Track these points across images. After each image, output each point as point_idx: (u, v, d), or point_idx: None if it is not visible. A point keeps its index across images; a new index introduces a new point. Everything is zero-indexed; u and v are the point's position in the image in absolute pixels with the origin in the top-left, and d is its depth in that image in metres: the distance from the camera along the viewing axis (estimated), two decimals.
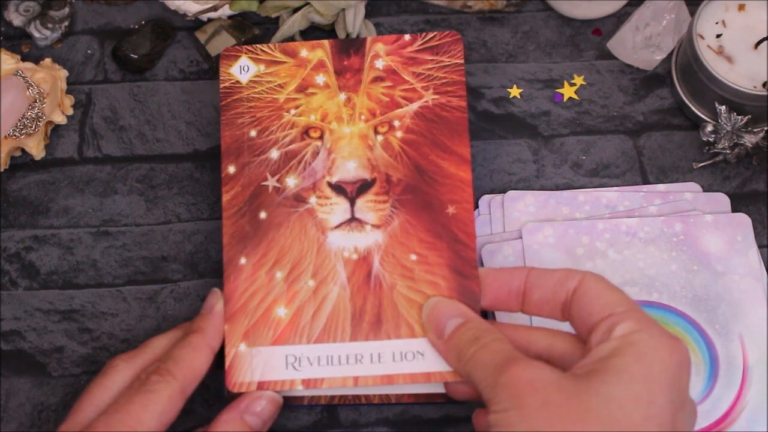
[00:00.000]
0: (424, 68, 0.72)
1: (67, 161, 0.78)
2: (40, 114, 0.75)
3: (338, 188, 0.69)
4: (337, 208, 0.69)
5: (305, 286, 0.68)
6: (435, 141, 0.70)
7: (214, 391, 0.71)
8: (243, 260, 0.68)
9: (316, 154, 0.70)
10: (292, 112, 0.71)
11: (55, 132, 0.78)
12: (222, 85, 0.72)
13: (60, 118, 0.77)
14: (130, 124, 0.79)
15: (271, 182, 0.70)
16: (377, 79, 0.71)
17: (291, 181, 0.70)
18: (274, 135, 0.70)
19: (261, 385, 0.66)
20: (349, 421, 0.71)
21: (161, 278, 0.75)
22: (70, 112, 0.78)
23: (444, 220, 0.68)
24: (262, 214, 0.69)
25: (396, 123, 0.70)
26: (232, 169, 0.70)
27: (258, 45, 0.73)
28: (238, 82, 0.72)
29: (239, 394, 0.66)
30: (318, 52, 0.72)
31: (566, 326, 0.65)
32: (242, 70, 0.72)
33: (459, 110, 0.71)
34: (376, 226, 0.69)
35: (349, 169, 0.70)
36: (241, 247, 0.68)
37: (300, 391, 0.67)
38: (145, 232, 0.76)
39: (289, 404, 0.70)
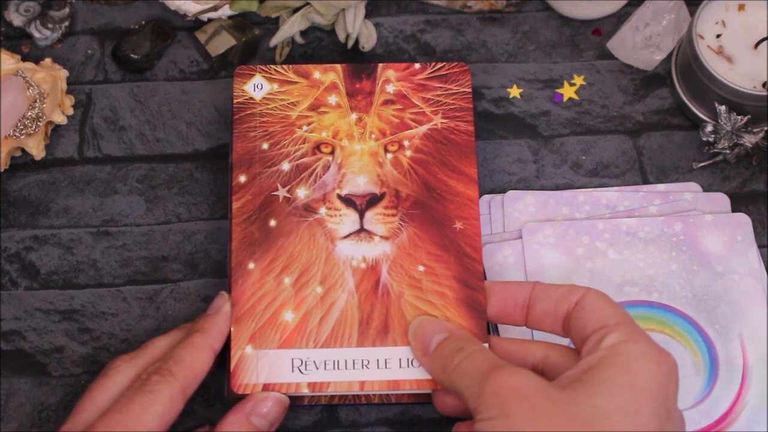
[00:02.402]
0: (433, 94, 0.74)
1: (67, 161, 0.78)
2: (40, 114, 0.75)
3: (348, 201, 0.71)
4: (346, 219, 0.70)
5: (313, 292, 0.68)
6: (443, 161, 0.72)
7: (214, 391, 0.71)
8: (251, 265, 0.69)
9: (326, 168, 0.71)
10: (304, 128, 0.73)
11: (55, 132, 0.78)
12: (236, 101, 0.73)
13: (60, 118, 0.77)
14: (130, 124, 0.79)
15: (281, 192, 0.71)
16: (388, 102, 0.74)
17: (301, 192, 0.71)
18: (285, 149, 0.72)
19: (266, 387, 0.66)
20: (349, 421, 0.71)
21: (161, 278, 0.75)
22: (71, 112, 0.78)
23: (451, 234, 0.70)
24: (272, 222, 0.70)
25: (405, 143, 0.72)
26: (243, 179, 0.71)
27: (272, 65, 0.74)
28: (251, 98, 0.73)
29: (241, 396, 0.66)
30: (330, 75, 0.74)
31: (567, 342, 0.66)
32: (256, 87, 0.74)
33: (467, 134, 0.73)
34: (385, 238, 0.70)
35: (359, 184, 0.71)
36: (250, 252, 0.69)
37: (304, 393, 0.67)
38: (145, 232, 0.76)
39: (290, 404, 0.70)
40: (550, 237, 0.73)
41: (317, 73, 0.74)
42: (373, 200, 0.71)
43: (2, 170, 0.76)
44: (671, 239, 0.73)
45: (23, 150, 0.77)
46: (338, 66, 0.75)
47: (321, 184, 0.71)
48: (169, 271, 0.75)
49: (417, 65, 0.75)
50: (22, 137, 0.75)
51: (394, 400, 0.69)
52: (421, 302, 0.68)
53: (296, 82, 0.74)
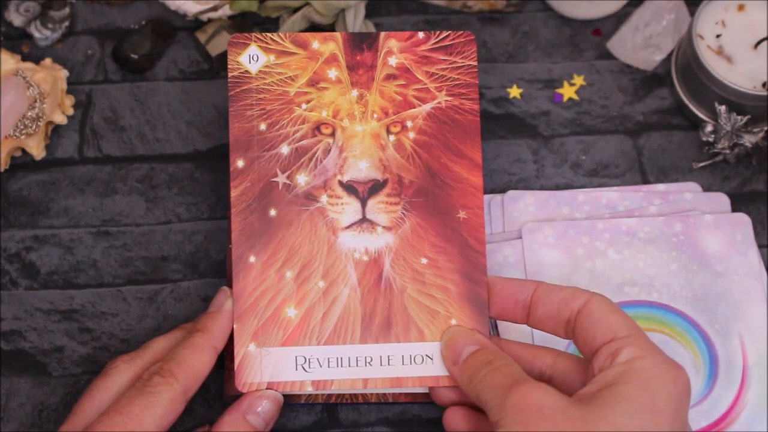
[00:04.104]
0: (438, 68, 0.70)
1: (67, 161, 0.78)
2: (40, 114, 0.75)
3: (350, 188, 0.68)
4: (348, 208, 0.68)
5: (315, 286, 0.67)
6: (447, 144, 0.69)
7: (214, 391, 0.71)
8: (252, 258, 0.67)
9: (327, 151, 0.69)
10: (303, 106, 0.69)
11: (55, 132, 0.78)
12: (230, 74, 0.69)
13: (60, 118, 0.77)
14: (130, 124, 0.79)
15: (281, 179, 0.68)
16: (390, 77, 0.70)
17: (302, 179, 0.68)
18: (284, 130, 0.69)
19: (270, 386, 0.65)
20: (349, 421, 0.71)
21: (161, 278, 0.75)
22: (71, 112, 0.78)
23: (455, 224, 0.68)
24: (272, 212, 0.68)
25: (409, 123, 0.69)
26: (240, 163, 0.68)
27: (268, 33, 0.70)
28: (247, 72, 0.69)
29: (241, 395, 0.66)
30: (330, 44, 0.70)
31: (565, 344, 0.66)
32: (251, 59, 0.70)
33: (472, 113, 0.70)
34: (388, 228, 0.68)
35: (361, 169, 0.69)
36: (251, 244, 0.67)
37: (308, 391, 0.66)
38: (145, 232, 0.76)
39: (287, 402, 0.69)
40: (550, 237, 0.73)
41: (316, 42, 0.70)
42: (375, 187, 0.68)
43: (2, 170, 0.76)
44: (671, 239, 0.73)
45: (23, 150, 0.77)
46: (338, 35, 0.70)
47: (322, 169, 0.68)
48: (169, 271, 0.75)
49: (421, 34, 0.70)
50: (22, 137, 0.75)
51: (391, 399, 0.69)
52: (423, 297, 0.67)
53: (294, 53, 0.70)
